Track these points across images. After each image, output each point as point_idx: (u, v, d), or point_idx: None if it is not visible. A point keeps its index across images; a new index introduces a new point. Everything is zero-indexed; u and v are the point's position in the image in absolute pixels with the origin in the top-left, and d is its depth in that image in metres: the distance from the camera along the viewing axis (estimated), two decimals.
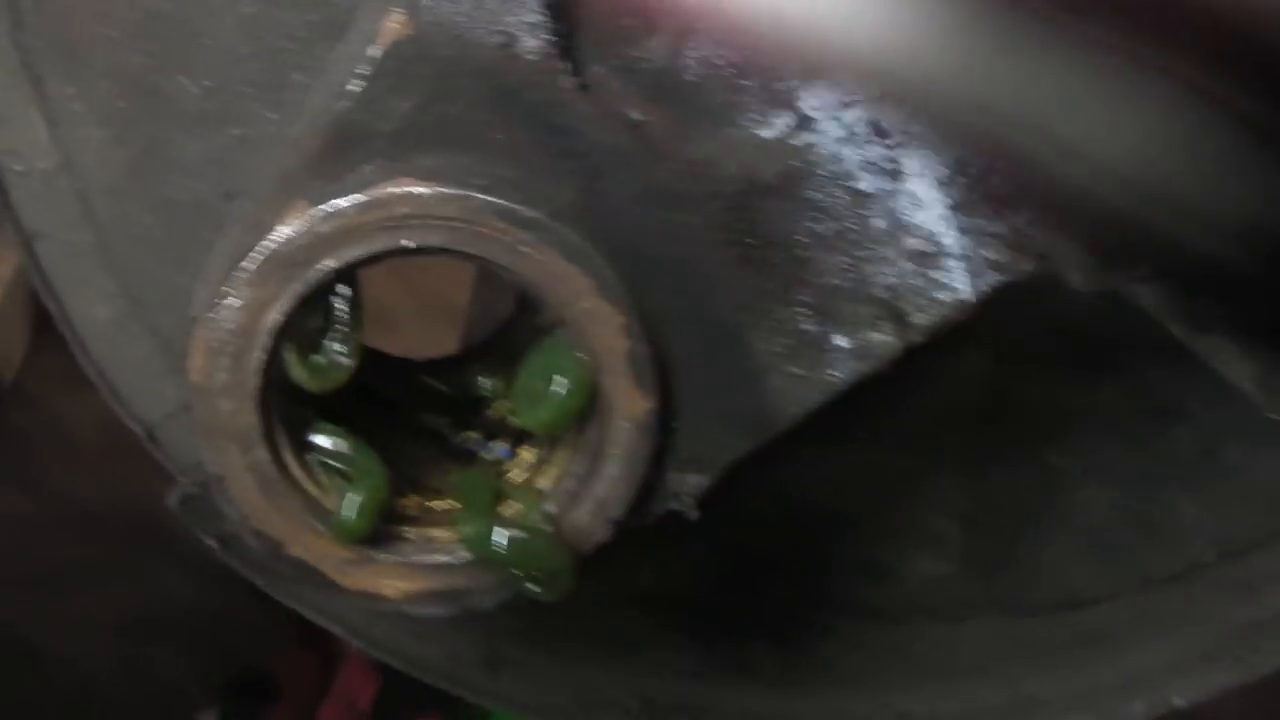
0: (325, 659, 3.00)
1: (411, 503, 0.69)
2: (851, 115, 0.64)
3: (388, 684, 1.84)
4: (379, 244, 0.61)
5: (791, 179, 0.64)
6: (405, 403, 0.76)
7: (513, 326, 0.82)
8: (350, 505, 0.65)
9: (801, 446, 0.72)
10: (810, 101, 0.64)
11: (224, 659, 3.30)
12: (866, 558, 0.87)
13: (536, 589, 0.65)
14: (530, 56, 0.61)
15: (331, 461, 0.66)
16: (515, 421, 0.67)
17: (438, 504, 0.69)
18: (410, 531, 0.67)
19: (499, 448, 0.72)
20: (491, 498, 0.66)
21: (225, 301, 0.62)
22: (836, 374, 0.67)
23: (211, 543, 0.79)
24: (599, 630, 0.88)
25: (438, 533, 0.67)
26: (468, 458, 0.73)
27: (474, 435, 0.74)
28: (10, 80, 0.74)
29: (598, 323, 0.62)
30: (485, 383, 0.76)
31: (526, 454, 0.70)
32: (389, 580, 0.66)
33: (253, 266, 0.61)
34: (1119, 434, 0.87)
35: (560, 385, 0.63)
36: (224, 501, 0.65)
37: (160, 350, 0.77)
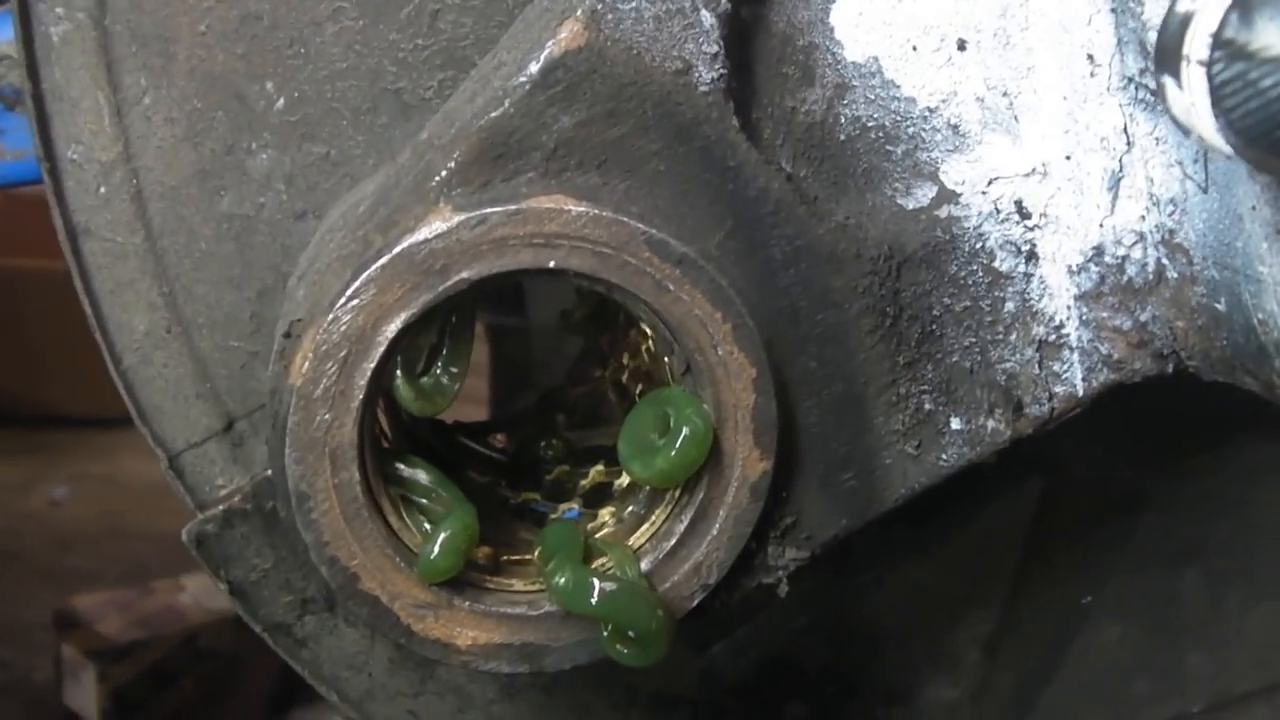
0: None
1: (482, 553, 0.64)
2: (997, 191, 0.63)
3: None
4: (522, 260, 0.58)
5: (935, 251, 0.63)
6: (449, 458, 0.72)
7: (552, 396, 0.79)
8: (440, 541, 0.59)
9: (872, 547, 0.70)
10: (953, 175, 0.64)
11: None
12: (890, 678, 0.85)
13: (626, 650, 0.60)
14: (704, 89, 0.59)
15: (416, 496, 0.61)
16: (629, 474, 0.63)
17: (512, 556, 0.64)
18: (489, 581, 0.62)
19: (566, 509, 0.68)
20: (582, 552, 0.62)
21: (343, 303, 0.57)
22: (946, 458, 0.65)
23: (223, 586, 0.72)
24: None
25: (518, 584, 0.62)
26: (533, 517, 0.68)
27: (534, 496, 0.70)
28: (84, 61, 0.69)
29: (730, 373, 0.60)
30: (544, 446, 0.72)
31: (606, 514, 0.66)
32: (464, 629, 0.61)
33: (380, 269, 0.57)
34: (1143, 574, 0.87)
35: (682, 435, 0.60)
36: (302, 524, 0.59)
37: (196, 374, 0.72)
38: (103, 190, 0.70)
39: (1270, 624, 0.91)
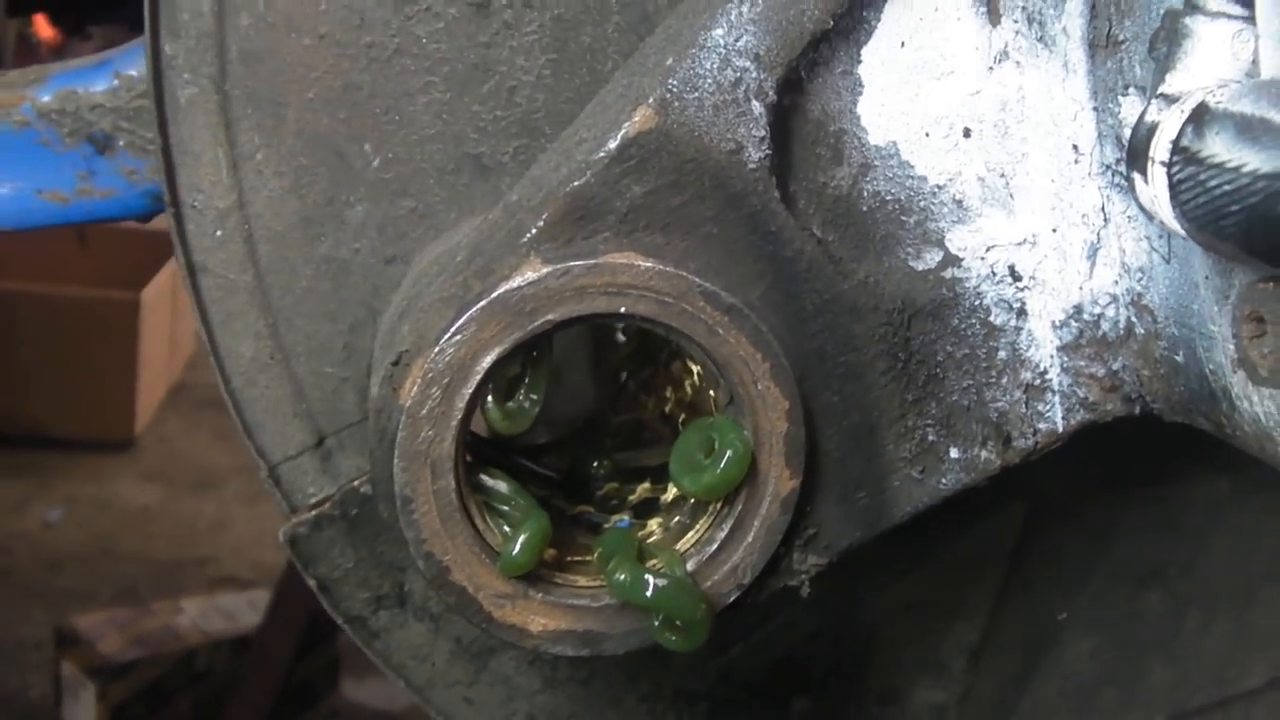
0: None
1: (549, 554, 0.74)
2: (993, 257, 0.75)
3: None
4: (598, 306, 0.69)
5: (941, 305, 0.74)
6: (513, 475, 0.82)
7: (597, 423, 0.90)
8: (520, 541, 0.70)
9: (872, 564, 0.81)
10: (957, 242, 0.75)
11: None
12: (884, 681, 0.96)
13: (673, 637, 0.71)
14: (752, 166, 0.70)
15: (497, 504, 0.72)
16: (679, 488, 0.73)
17: (574, 558, 0.75)
18: (556, 577, 0.73)
19: (618, 519, 0.79)
20: (636, 553, 0.73)
21: (448, 338, 0.68)
22: (945, 482, 0.76)
23: (311, 582, 0.83)
24: None
25: (581, 580, 0.73)
26: (588, 525, 0.79)
27: (588, 508, 0.81)
28: (205, 121, 0.79)
29: (767, 405, 0.71)
30: (596, 466, 0.83)
31: (654, 524, 0.77)
32: (536, 617, 0.72)
33: (480, 310, 0.68)
34: (1112, 594, 0.98)
35: (726, 457, 0.71)
36: (405, 524, 0.70)
37: (293, 395, 0.82)
38: (219, 233, 0.81)
39: (1225, 642, 1.03)
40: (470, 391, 0.69)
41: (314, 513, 0.82)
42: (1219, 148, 0.56)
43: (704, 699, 0.94)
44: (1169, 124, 0.59)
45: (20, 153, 1.05)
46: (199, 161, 0.80)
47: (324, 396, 0.83)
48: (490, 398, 0.71)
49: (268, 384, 0.82)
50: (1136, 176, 0.62)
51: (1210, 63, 0.61)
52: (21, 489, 4.39)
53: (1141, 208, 0.63)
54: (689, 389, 0.80)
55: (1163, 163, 0.60)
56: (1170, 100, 0.61)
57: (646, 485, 0.80)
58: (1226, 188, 0.55)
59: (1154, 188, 0.61)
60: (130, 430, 4.62)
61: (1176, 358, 0.72)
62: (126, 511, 4.40)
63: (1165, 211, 0.60)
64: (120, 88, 1.01)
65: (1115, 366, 0.76)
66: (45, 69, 1.08)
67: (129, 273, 4.73)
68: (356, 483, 0.82)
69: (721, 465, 0.71)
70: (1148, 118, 0.61)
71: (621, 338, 0.89)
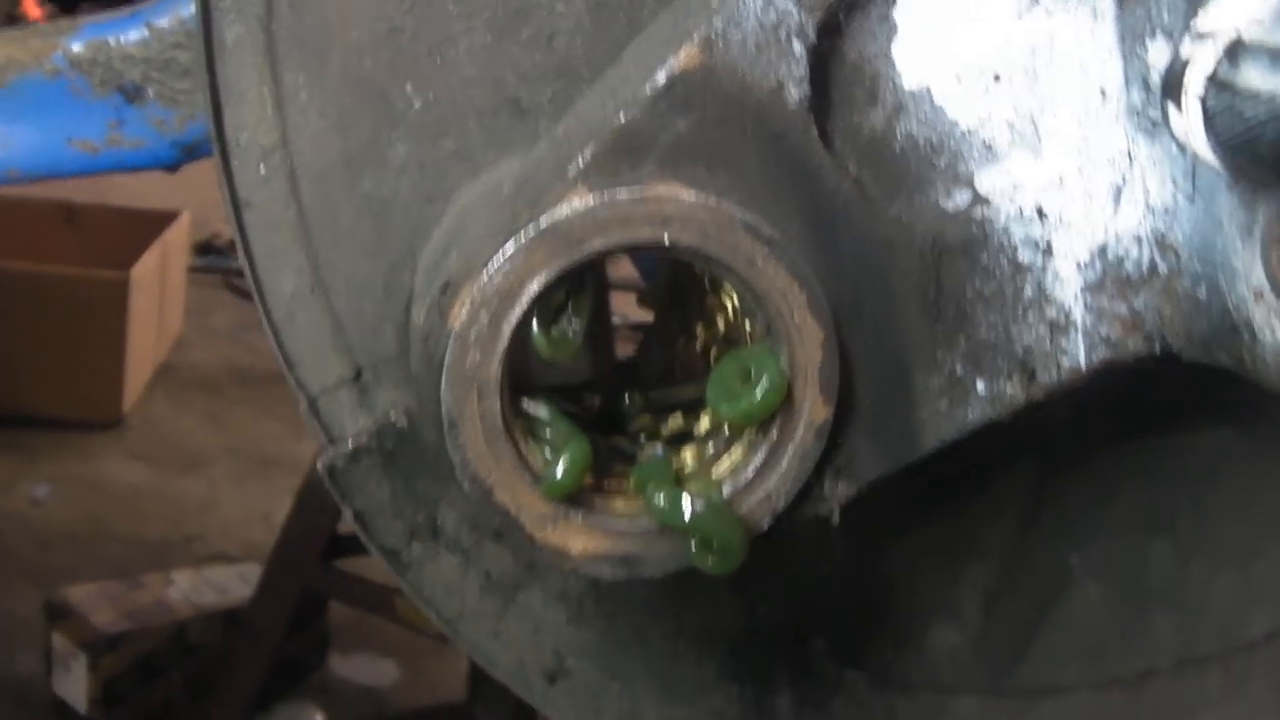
0: None
1: (587, 480, 0.77)
2: (1021, 198, 0.77)
3: None
4: (642, 235, 0.71)
5: (970, 243, 0.77)
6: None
7: (627, 363, 0.92)
8: (563, 463, 0.73)
9: (891, 508, 0.84)
10: (986, 183, 0.78)
11: None
12: (900, 622, 0.98)
13: (709, 560, 0.74)
14: (792, 105, 0.73)
15: (538, 429, 0.74)
16: (720, 417, 0.76)
17: (611, 484, 0.77)
18: (595, 501, 0.75)
19: (652, 450, 0.81)
20: (673, 477, 0.75)
21: (497, 265, 0.70)
22: (971, 415, 0.79)
23: (348, 512, 0.85)
24: (654, 663, 0.95)
25: (620, 504, 0.75)
26: (623, 456, 0.81)
27: (622, 440, 0.83)
28: (251, 60, 0.81)
29: (804, 336, 0.73)
30: (628, 402, 0.85)
31: (688, 454, 0.79)
32: (576, 538, 0.74)
33: (528, 237, 0.70)
34: (1122, 543, 1.01)
35: (763, 385, 0.73)
36: (452, 446, 0.72)
37: (332, 330, 0.84)
38: (263, 170, 0.83)
39: (1228, 593, 1.05)
40: (517, 317, 0.71)
41: (352, 445, 0.84)
42: (1254, 78, 0.59)
43: (725, 637, 0.96)
44: (1203, 58, 0.62)
45: (52, 101, 1.06)
46: (244, 100, 0.82)
47: (362, 331, 0.84)
48: (536, 325, 0.73)
49: (308, 318, 0.84)
50: (1171, 110, 0.65)
51: (1242, 1, 0.64)
52: (8, 467, 4.39)
53: (1174, 139, 0.66)
54: (722, 325, 0.82)
55: (1198, 95, 0.62)
56: (1203, 37, 0.64)
57: (679, 419, 0.82)
58: (1261, 115, 0.58)
59: (1188, 119, 0.63)
60: (118, 410, 4.63)
61: (1199, 294, 0.74)
62: (114, 490, 4.40)
63: (1199, 142, 0.63)
64: (152, 38, 1.03)
65: (1138, 305, 0.78)
66: (77, 20, 1.10)
67: (116, 253, 4.73)
68: (393, 416, 0.84)
69: (760, 391, 0.73)
70: (1183, 53, 0.64)
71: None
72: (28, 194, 5.06)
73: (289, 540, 2.88)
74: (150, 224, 4.92)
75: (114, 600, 3.23)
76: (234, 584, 3.29)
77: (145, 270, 4.65)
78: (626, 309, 1.09)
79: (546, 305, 0.73)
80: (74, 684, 3.14)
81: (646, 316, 0.96)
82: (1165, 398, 0.96)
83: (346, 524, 3.03)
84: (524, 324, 0.71)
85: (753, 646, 0.97)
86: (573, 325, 0.73)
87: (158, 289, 4.82)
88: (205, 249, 5.82)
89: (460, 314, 0.71)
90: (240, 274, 0.83)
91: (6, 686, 3.53)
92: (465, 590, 0.90)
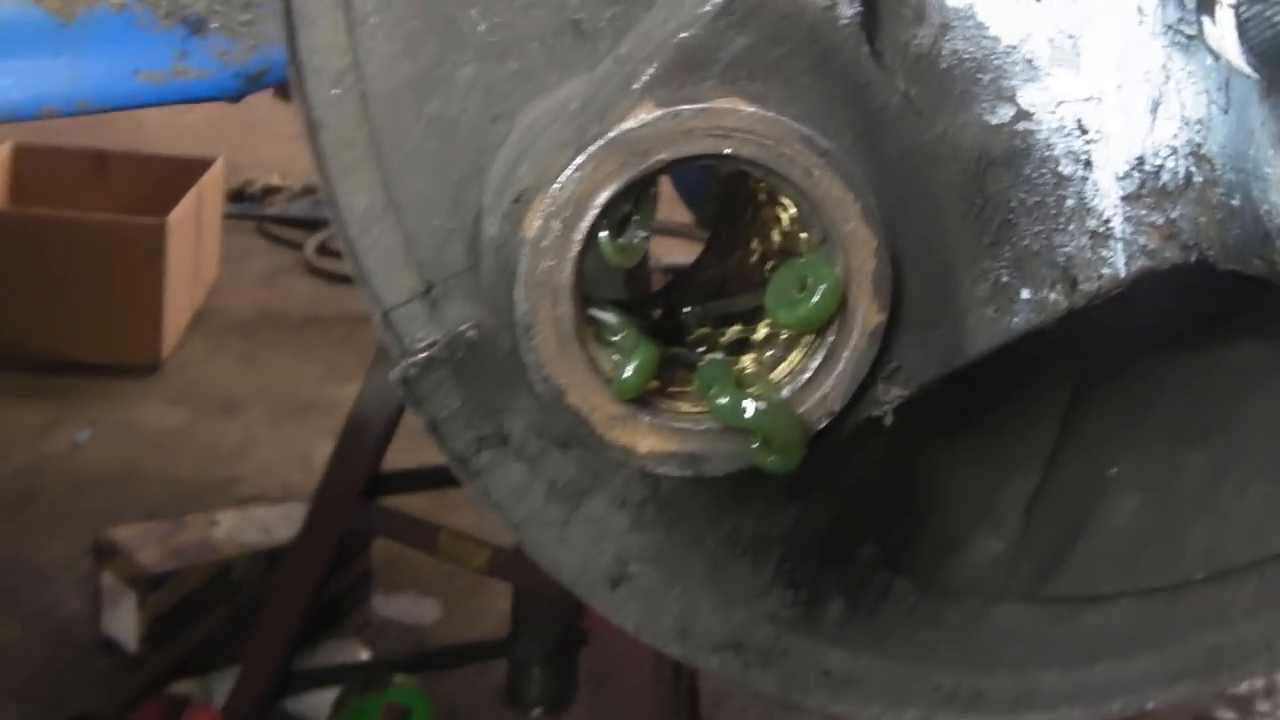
0: (170, 709, 2.95)
1: (652, 385, 0.81)
2: (1062, 112, 0.81)
3: None
4: (705, 147, 0.75)
5: (1014, 156, 0.81)
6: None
7: (683, 278, 0.97)
8: (632, 365, 0.77)
9: (937, 417, 0.88)
10: (1028, 99, 0.81)
11: (58, 710, 3.20)
12: (945, 529, 1.03)
13: (771, 458, 0.78)
14: (844, 21, 0.77)
15: (607, 334, 0.79)
16: (779, 324, 0.80)
17: (674, 388, 0.82)
18: (662, 403, 0.80)
19: (712, 358, 0.86)
20: (734, 380, 0.80)
21: (568, 174, 0.74)
22: (1017, 321, 0.83)
23: (421, 420, 0.89)
24: (712, 568, 1.00)
25: (685, 405, 0.80)
26: (684, 363, 0.85)
27: (682, 350, 0.87)
28: None
29: (858, 243, 0.77)
30: (687, 313, 0.89)
31: (747, 360, 0.83)
32: (643, 438, 0.78)
33: (598, 148, 0.75)
34: (1157, 452, 1.05)
35: (821, 289, 0.77)
36: (526, 349, 0.76)
37: (404, 245, 0.88)
38: (335, 91, 0.87)
39: (1260, 504, 1.09)
40: (588, 225, 0.75)
41: (424, 355, 0.88)
42: None
43: (778, 542, 1.00)
44: None
45: (118, 34, 1.10)
46: (317, 25, 0.86)
47: (432, 247, 0.89)
48: (605, 233, 0.77)
49: (380, 234, 0.88)
50: (1205, 20, 0.68)
51: None
52: (50, 412, 4.47)
53: (1209, 49, 0.69)
54: (777, 237, 0.86)
55: (1230, 5, 0.66)
56: None
57: (738, 327, 0.86)
58: None
59: (1221, 29, 0.67)
60: (157, 355, 4.69)
61: (1233, 202, 0.78)
62: (153, 435, 4.48)
63: (1232, 50, 0.67)
64: None
65: (1174, 215, 0.82)
66: None
67: (149, 200, 4.78)
68: (463, 328, 0.89)
69: (817, 297, 0.78)
70: None
71: None
72: (59, 143, 5.12)
73: (332, 479, 2.94)
74: (183, 171, 4.97)
75: (160, 540, 3.30)
76: (278, 523, 3.36)
77: (182, 216, 4.70)
78: (658, 251, 1.13)
79: (614, 215, 0.77)
80: (123, 621, 3.22)
81: (675, 259, 1.00)
82: (1199, 311, 0.99)
83: (388, 463, 3.08)
84: (593, 232, 0.76)
85: (806, 552, 1.01)
86: (638, 235, 0.77)
87: (194, 235, 4.88)
88: (238, 196, 5.88)
89: (533, 223, 0.75)
90: (274, 220, 0.86)
91: (53, 627, 3.62)
92: (531, 496, 0.95)
